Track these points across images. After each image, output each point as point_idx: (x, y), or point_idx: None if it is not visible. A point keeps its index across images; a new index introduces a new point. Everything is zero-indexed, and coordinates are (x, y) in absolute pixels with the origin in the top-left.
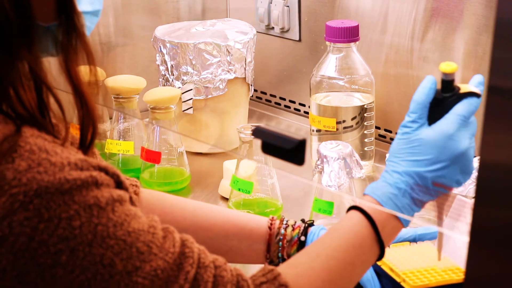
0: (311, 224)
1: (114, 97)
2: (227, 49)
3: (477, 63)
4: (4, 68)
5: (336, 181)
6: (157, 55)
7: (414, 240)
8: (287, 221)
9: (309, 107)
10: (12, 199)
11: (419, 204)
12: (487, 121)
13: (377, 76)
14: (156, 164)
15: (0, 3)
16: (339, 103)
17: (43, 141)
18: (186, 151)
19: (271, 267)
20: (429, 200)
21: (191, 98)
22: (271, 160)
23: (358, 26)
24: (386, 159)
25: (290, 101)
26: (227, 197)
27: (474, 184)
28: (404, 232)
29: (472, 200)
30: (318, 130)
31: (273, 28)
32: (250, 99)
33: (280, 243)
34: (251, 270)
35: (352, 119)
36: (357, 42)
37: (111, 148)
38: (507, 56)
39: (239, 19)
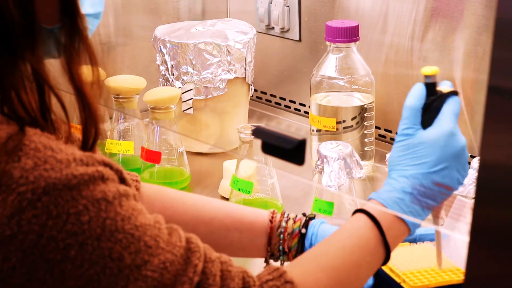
0: (312, 218)
1: (114, 97)
2: (227, 49)
3: (477, 63)
4: (7, 70)
5: (336, 181)
6: (157, 55)
7: (414, 240)
8: (288, 214)
9: (309, 107)
10: (20, 198)
11: (427, 208)
12: (487, 121)
13: (377, 76)
14: (156, 164)
15: (6, 5)
16: (339, 103)
17: (47, 139)
18: (186, 151)
19: (276, 266)
20: (434, 205)
21: (191, 98)
22: (271, 160)
23: (358, 26)
24: (386, 160)
25: (290, 101)
26: (227, 197)
27: (474, 184)
28: None
29: (472, 200)
30: (318, 130)
31: (273, 28)
32: (250, 99)
33: (281, 235)
34: (252, 270)
35: (352, 119)
36: (357, 42)
37: (111, 148)
38: (507, 56)
39: (239, 19)
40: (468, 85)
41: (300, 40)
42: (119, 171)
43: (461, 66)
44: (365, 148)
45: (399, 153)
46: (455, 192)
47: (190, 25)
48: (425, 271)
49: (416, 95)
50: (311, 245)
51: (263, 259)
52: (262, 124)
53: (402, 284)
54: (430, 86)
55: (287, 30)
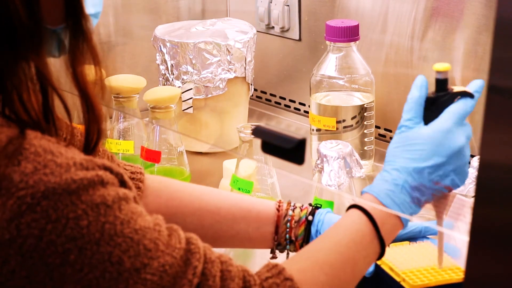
0: (319, 207)
1: (114, 97)
2: (227, 49)
3: (477, 63)
4: (10, 71)
5: (336, 180)
6: (157, 54)
7: (419, 232)
8: (294, 203)
9: (309, 106)
10: (19, 202)
11: (417, 202)
12: (487, 121)
13: (377, 75)
14: (156, 164)
15: (13, 5)
16: (339, 102)
17: (47, 142)
18: (186, 151)
19: (274, 263)
20: (427, 199)
21: (191, 98)
22: (271, 159)
23: (358, 25)
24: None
25: (290, 100)
26: None
27: (474, 183)
28: (410, 224)
29: (472, 199)
30: (318, 130)
31: (273, 27)
32: (250, 98)
33: (288, 224)
34: (252, 269)
35: (352, 118)
36: (357, 42)
37: (111, 148)
38: (507, 56)
39: (239, 18)
40: (468, 84)
41: (300, 39)
42: (119, 174)
43: (461, 66)
44: (365, 148)
45: (396, 144)
46: (455, 192)
47: (190, 24)
48: (425, 270)
49: (417, 85)
50: (317, 232)
51: (264, 258)
52: (262, 124)
53: (402, 283)
54: (441, 82)
55: (287, 30)
